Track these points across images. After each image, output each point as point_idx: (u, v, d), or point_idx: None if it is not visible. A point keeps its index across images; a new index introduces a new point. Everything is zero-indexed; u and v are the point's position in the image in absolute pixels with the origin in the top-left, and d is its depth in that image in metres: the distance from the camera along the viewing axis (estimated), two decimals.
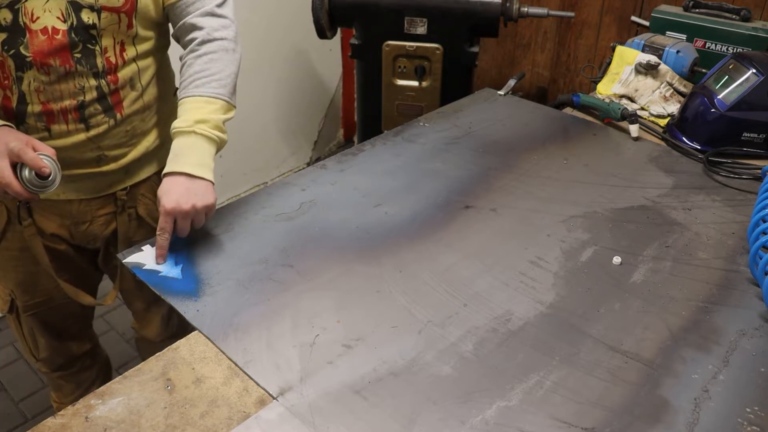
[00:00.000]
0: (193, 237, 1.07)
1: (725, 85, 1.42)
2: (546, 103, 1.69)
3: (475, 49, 2.04)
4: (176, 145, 1.06)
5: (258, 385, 0.83)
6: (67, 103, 1.05)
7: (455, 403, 0.80)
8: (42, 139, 1.03)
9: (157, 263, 1.02)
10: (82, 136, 1.09)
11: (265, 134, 2.87)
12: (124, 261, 1.04)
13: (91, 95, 1.06)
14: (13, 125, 1.00)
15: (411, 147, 1.41)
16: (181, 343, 0.89)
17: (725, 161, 1.37)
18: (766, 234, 1.00)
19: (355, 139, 2.71)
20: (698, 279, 1.03)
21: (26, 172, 0.94)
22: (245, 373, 0.84)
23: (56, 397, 1.49)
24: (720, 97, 1.41)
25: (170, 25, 1.17)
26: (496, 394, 0.82)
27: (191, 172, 1.02)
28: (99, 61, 1.05)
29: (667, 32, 1.78)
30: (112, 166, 1.16)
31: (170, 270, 1.02)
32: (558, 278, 1.02)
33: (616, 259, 1.06)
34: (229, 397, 0.81)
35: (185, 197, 1.00)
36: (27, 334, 1.33)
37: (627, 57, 1.69)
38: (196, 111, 1.07)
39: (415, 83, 2.09)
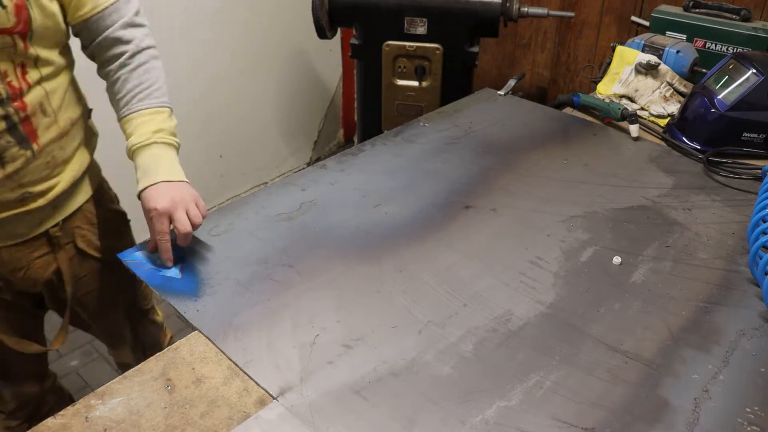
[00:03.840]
0: (194, 237, 1.07)
1: (725, 85, 1.42)
2: (546, 103, 1.69)
3: (475, 49, 2.04)
4: (142, 160, 1.04)
5: (258, 385, 0.83)
6: None
7: (455, 403, 0.80)
8: None
9: (167, 267, 1.02)
10: None
11: (265, 134, 2.87)
12: (124, 261, 1.04)
13: (0, 126, 0.96)
14: None
15: (411, 147, 1.41)
16: (181, 343, 0.89)
17: (725, 161, 1.37)
18: (766, 234, 1.00)
19: (355, 139, 2.71)
20: (698, 279, 1.03)
21: None
22: (245, 373, 0.84)
23: None
24: (720, 97, 1.41)
25: (82, 41, 1.09)
26: (496, 394, 0.82)
27: (167, 178, 1.02)
28: (1, 87, 0.94)
29: (667, 32, 1.78)
30: (40, 202, 1.06)
31: (170, 270, 1.02)
32: (558, 278, 1.02)
33: (616, 259, 1.06)
34: (229, 397, 0.81)
35: (171, 195, 1.00)
36: None
37: (627, 57, 1.69)
38: (148, 124, 1.06)
39: (415, 83, 2.09)
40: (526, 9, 1.99)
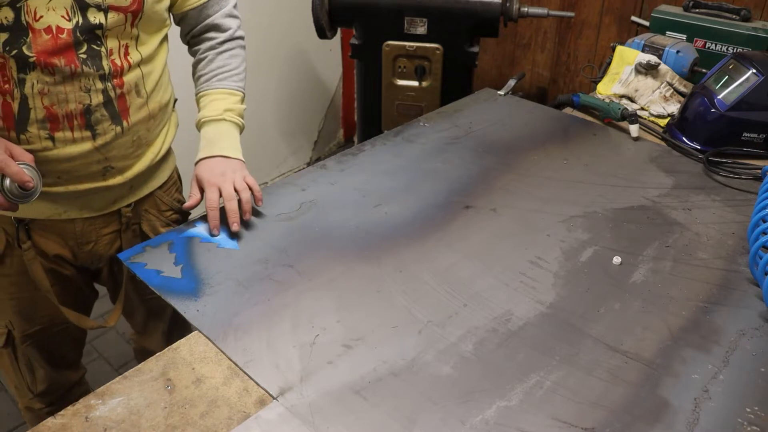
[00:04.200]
0: (192, 238, 1.07)
1: (725, 85, 1.42)
2: (546, 103, 1.69)
3: (475, 49, 2.04)
4: (208, 132, 1.16)
5: (258, 385, 0.83)
6: (73, 107, 1.00)
7: (455, 403, 0.80)
8: (45, 150, 1.01)
9: (213, 235, 1.09)
10: (88, 145, 1.04)
11: (265, 134, 2.87)
12: (124, 260, 1.05)
13: (97, 99, 1.02)
14: None
15: (411, 147, 1.41)
16: (181, 343, 0.89)
17: (725, 161, 1.37)
18: (766, 234, 1.00)
19: (355, 139, 2.71)
20: (698, 279, 1.03)
21: (7, 182, 0.90)
22: (245, 373, 0.84)
23: None
24: (720, 97, 1.41)
25: (182, 27, 1.22)
26: (496, 394, 0.82)
27: (226, 153, 1.13)
28: (105, 63, 1.01)
29: (667, 32, 1.78)
30: (118, 179, 1.11)
31: (170, 270, 1.02)
32: (558, 278, 1.02)
33: (616, 259, 1.06)
34: (229, 397, 0.81)
35: (224, 169, 1.11)
36: (24, 367, 1.26)
37: (627, 57, 1.69)
38: (221, 102, 1.18)
39: (415, 83, 2.09)
40: (526, 9, 1.99)
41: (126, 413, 0.79)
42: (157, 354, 0.88)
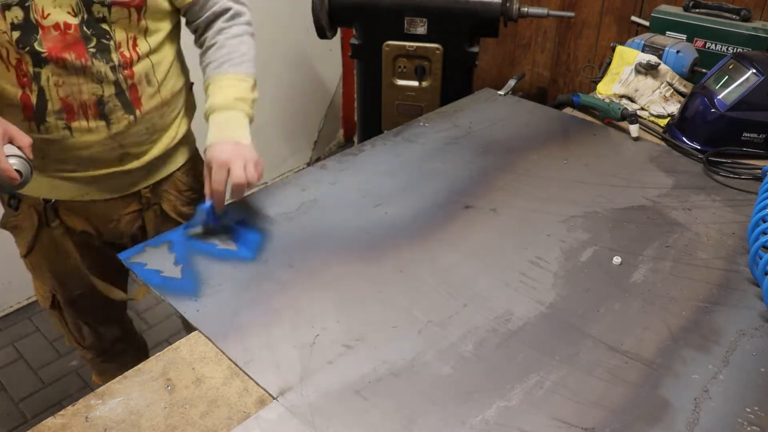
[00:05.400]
0: (192, 238, 1.07)
1: (725, 85, 1.42)
2: (546, 103, 1.69)
3: (475, 49, 2.04)
4: (218, 118, 1.12)
5: (258, 385, 0.83)
6: (86, 97, 1.06)
7: (455, 403, 0.80)
8: (64, 139, 1.06)
9: (217, 212, 1.07)
10: (103, 134, 1.10)
11: (265, 134, 2.87)
12: (124, 260, 1.04)
13: (109, 90, 1.07)
14: None
15: (411, 147, 1.41)
16: (181, 343, 0.89)
17: (725, 161, 1.37)
18: (766, 234, 1.00)
19: (355, 139, 2.71)
20: (698, 279, 1.03)
21: (16, 162, 0.91)
22: (245, 373, 0.84)
23: (100, 380, 1.53)
24: (720, 97, 1.41)
25: (188, 18, 1.21)
26: (496, 394, 0.82)
27: (236, 139, 1.10)
28: (114, 55, 1.06)
29: (667, 32, 1.78)
30: (135, 164, 1.17)
31: (170, 270, 1.02)
32: (558, 278, 1.02)
33: (616, 259, 1.06)
34: (229, 397, 0.81)
35: (235, 152, 1.07)
36: (71, 325, 1.38)
37: (627, 57, 1.69)
38: (233, 89, 1.15)
39: (415, 83, 2.09)
40: (526, 9, 1.99)
41: (126, 413, 0.79)
42: (157, 354, 0.88)
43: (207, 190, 1.09)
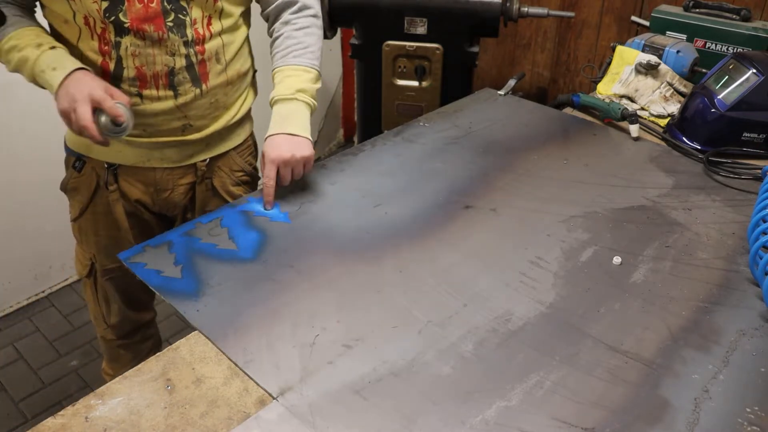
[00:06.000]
0: (192, 238, 1.07)
1: (725, 85, 1.42)
2: (546, 103, 1.69)
3: (475, 49, 2.04)
4: (280, 110, 1.20)
5: (258, 385, 0.83)
6: (159, 68, 1.14)
7: (455, 403, 0.80)
8: (134, 105, 1.13)
9: (265, 209, 1.17)
10: (170, 103, 1.17)
11: (265, 134, 2.87)
12: (124, 260, 1.04)
13: (180, 63, 1.15)
14: (90, 69, 1.08)
15: (411, 147, 1.41)
16: (181, 343, 0.89)
17: (725, 161, 1.37)
18: (766, 234, 1.00)
19: (355, 139, 2.70)
20: (698, 279, 1.03)
21: (103, 118, 1.02)
22: (245, 373, 0.84)
23: (110, 368, 1.54)
24: (720, 97, 1.41)
25: (262, 5, 1.28)
26: (496, 394, 0.82)
27: (293, 131, 1.18)
28: (189, 31, 1.14)
29: (667, 32, 1.78)
30: (196, 135, 1.24)
31: (170, 270, 1.02)
32: (558, 278, 1.02)
33: (616, 259, 1.06)
34: (229, 397, 0.81)
35: (287, 149, 1.15)
36: (101, 299, 1.41)
37: (627, 57, 1.69)
38: (296, 79, 1.22)
39: (415, 83, 2.09)
40: (526, 9, 1.99)
41: (126, 413, 0.79)
42: (157, 354, 0.88)
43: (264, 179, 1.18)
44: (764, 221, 1.03)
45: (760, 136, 1.40)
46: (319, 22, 1.29)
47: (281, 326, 0.91)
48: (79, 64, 1.06)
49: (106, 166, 1.24)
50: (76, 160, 1.26)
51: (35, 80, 1.07)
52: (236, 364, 0.85)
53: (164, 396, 0.81)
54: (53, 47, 1.07)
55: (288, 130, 1.18)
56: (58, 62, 1.06)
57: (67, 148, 1.27)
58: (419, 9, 1.98)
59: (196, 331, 0.91)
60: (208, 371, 0.85)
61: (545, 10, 2.00)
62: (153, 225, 1.34)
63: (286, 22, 1.26)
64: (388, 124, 2.14)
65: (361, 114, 2.30)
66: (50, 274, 2.40)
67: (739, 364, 0.87)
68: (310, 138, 1.20)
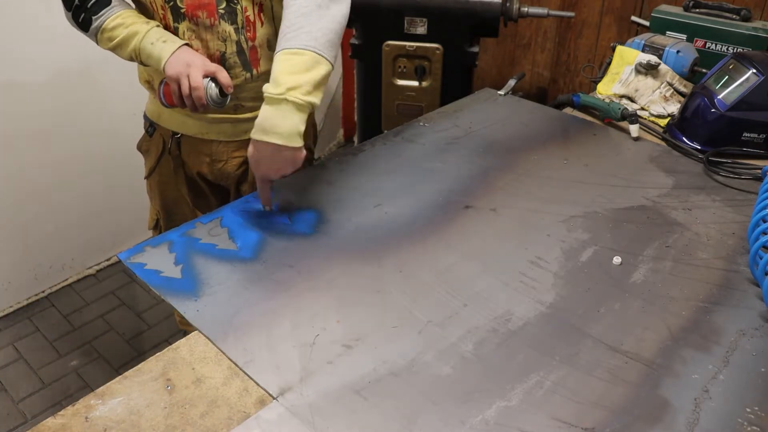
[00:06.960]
0: (192, 238, 1.07)
1: (725, 85, 1.42)
2: (546, 103, 1.69)
3: (475, 49, 2.04)
4: (266, 111, 1.05)
5: (258, 385, 0.83)
6: (212, 52, 1.22)
7: (455, 403, 0.80)
8: None
9: (265, 210, 1.17)
10: None
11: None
12: (124, 260, 1.04)
13: (231, 48, 1.23)
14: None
15: (411, 147, 1.41)
16: (181, 343, 0.89)
17: (725, 161, 1.37)
18: (766, 234, 1.00)
19: (355, 139, 2.71)
20: (698, 279, 1.03)
21: (210, 88, 1.15)
22: (245, 373, 0.84)
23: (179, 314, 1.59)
24: (720, 97, 1.41)
25: None
26: (496, 394, 0.82)
27: (280, 142, 1.05)
28: (239, 18, 1.21)
29: (667, 32, 1.78)
30: (247, 115, 1.32)
31: (170, 270, 1.02)
32: (558, 278, 1.02)
33: (616, 259, 1.06)
34: (229, 397, 0.81)
35: (274, 166, 1.09)
36: None
37: (627, 57, 1.69)
38: (285, 64, 1.06)
39: (415, 83, 2.09)
40: (526, 9, 1.99)
41: (126, 413, 0.79)
42: (156, 354, 0.88)
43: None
44: (764, 221, 1.03)
45: (760, 136, 1.40)
46: (324, 2, 1.10)
47: (281, 326, 0.91)
48: (186, 41, 1.19)
49: (171, 134, 1.37)
50: (149, 126, 1.41)
51: (138, 53, 1.18)
52: (236, 364, 0.85)
53: (164, 396, 0.81)
54: (158, 25, 1.20)
55: (272, 140, 1.05)
56: (168, 36, 1.18)
57: (144, 116, 1.42)
58: (419, 9, 1.98)
59: (196, 331, 0.91)
60: (208, 371, 0.85)
61: (545, 10, 2.01)
62: (208, 193, 1.46)
63: (287, 8, 1.12)
64: (388, 124, 2.14)
65: (361, 114, 2.30)
66: (50, 274, 2.40)
67: (739, 364, 0.87)
68: (300, 145, 1.07)
